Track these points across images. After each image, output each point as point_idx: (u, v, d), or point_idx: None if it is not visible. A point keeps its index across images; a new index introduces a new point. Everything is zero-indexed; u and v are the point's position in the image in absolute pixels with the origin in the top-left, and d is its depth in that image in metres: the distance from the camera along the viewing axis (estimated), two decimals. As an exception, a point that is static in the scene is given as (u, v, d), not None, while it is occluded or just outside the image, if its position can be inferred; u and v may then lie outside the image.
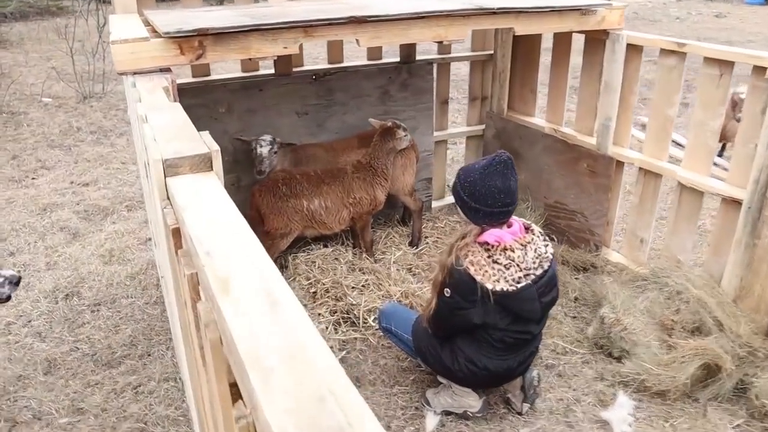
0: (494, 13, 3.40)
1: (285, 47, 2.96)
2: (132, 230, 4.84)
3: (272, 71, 4.27)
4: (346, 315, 3.70)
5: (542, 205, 4.67)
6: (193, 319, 1.34)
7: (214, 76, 4.14)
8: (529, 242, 2.64)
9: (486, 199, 2.59)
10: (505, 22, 3.48)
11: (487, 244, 2.58)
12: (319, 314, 3.69)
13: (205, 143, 1.73)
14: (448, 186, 5.24)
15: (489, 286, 2.50)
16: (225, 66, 7.71)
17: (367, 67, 4.58)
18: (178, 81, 3.85)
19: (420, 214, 4.64)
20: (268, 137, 4.03)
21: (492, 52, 5.00)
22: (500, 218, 2.63)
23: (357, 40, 3.13)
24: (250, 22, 2.84)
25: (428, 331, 2.87)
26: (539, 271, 2.61)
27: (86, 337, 3.64)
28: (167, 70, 2.77)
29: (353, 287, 3.90)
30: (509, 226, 2.70)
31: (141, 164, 3.26)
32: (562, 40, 4.44)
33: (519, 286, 2.54)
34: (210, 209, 1.42)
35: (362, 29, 3.11)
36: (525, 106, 4.95)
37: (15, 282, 2.84)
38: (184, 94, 3.90)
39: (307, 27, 2.96)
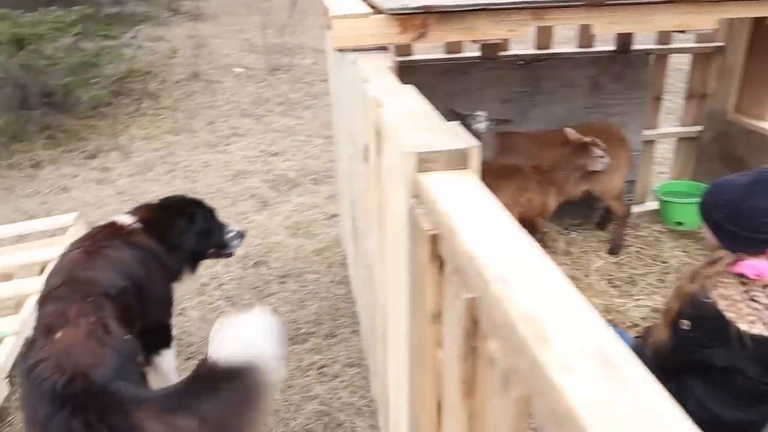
0: (755, -2, 2.90)
1: (511, 30, 2.71)
2: (317, 204, 4.86)
3: (477, 54, 4.03)
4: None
5: (769, 222, 4.06)
6: (464, 350, 1.14)
7: (418, 56, 3.99)
8: None
9: (747, 222, 2.19)
10: (764, 9, 2.97)
11: (744, 276, 2.18)
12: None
13: (460, 137, 1.53)
14: (654, 192, 4.74)
15: (743, 327, 2.11)
16: (421, 46, 7.61)
17: (579, 54, 4.21)
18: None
19: (625, 220, 4.22)
20: (482, 113, 3.82)
21: (722, 43, 4.40)
22: (761, 246, 2.22)
23: (590, 26, 2.81)
24: (479, 0, 2.62)
25: (652, 360, 2.52)
26: None
27: (273, 308, 3.67)
28: (384, 48, 2.64)
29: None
30: None
31: (341, 143, 3.19)
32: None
33: None
34: (484, 220, 1.22)
35: (598, 13, 2.77)
36: (758, 108, 4.31)
37: (243, 236, 3.09)
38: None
39: (537, 9, 2.68)
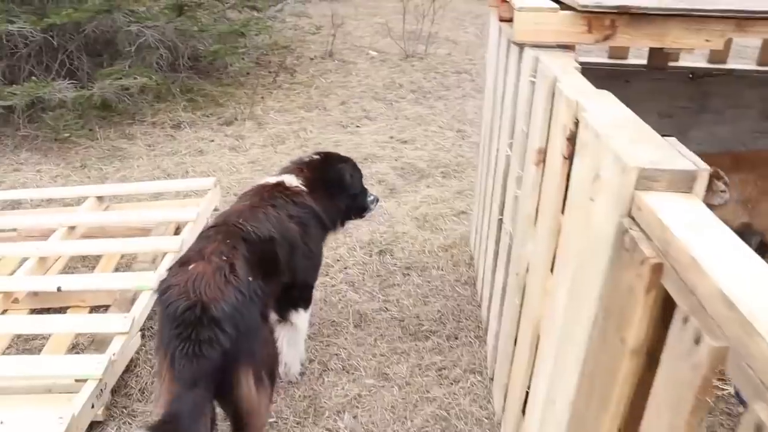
0: None
1: (708, 40, 2.46)
2: (446, 198, 4.76)
3: (642, 62, 3.77)
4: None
5: None
6: (693, 404, 1.00)
7: (579, 58, 3.76)
8: None
9: None
10: None
11: None
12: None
13: (686, 156, 1.36)
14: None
15: None
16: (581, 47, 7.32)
17: (758, 73, 3.85)
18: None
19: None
20: None
21: None
22: None
23: (800, 43, 2.52)
24: (677, 4, 2.40)
25: None
26: None
27: (396, 300, 3.61)
28: (566, 46, 2.47)
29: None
30: None
31: (489, 139, 3.03)
32: None
33: None
34: (734, 257, 1.07)
35: (813, 30, 2.47)
36: None
37: (378, 201, 3.37)
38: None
39: (743, 20, 2.42)
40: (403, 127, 6.19)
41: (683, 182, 1.29)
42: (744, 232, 3.89)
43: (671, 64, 3.77)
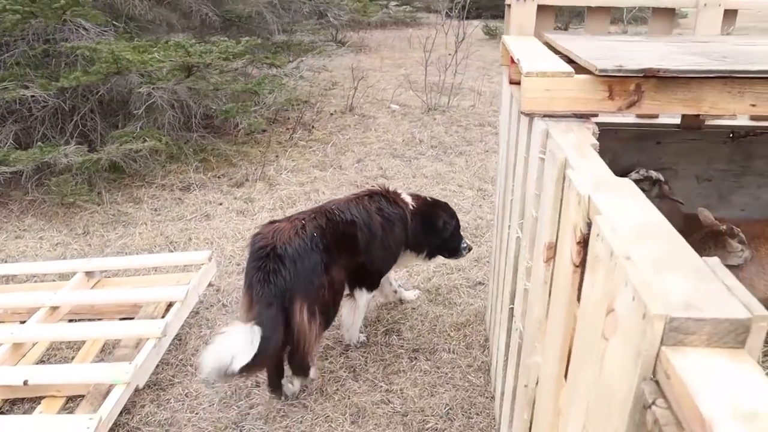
0: None
1: (753, 104, 2.09)
2: (462, 267, 4.38)
3: (676, 121, 3.39)
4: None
5: None
6: None
7: (602, 119, 3.41)
8: None
9: None
10: None
11: None
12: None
13: (734, 291, 0.98)
14: None
15: None
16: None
17: (808, 131, 3.43)
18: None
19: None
20: (653, 173, 3.23)
21: None
22: None
23: None
24: (712, 65, 2.04)
25: None
26: None
27: (399, 389, 3.21)
28: (583, 115, 2.12)
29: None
30: None
31: (503, 206, 2.68)
32: None
33: None
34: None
35: None
36: None
37: (470, 249, 3.89)
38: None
39: (795, 80, 2.05)
40: (420, 186, 5.86)
41: (731, 335, 0.92)
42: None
43: (708, 123, 3.38)
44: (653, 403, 0.91)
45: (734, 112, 2.11)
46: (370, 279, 3.47)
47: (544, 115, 2.08)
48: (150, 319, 3.51)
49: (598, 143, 1.83)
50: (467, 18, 9.72)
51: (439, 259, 4.43)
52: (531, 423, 1.99)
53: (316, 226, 3.04)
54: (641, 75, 1.96)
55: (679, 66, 1.99)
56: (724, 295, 0.97)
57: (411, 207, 3.50)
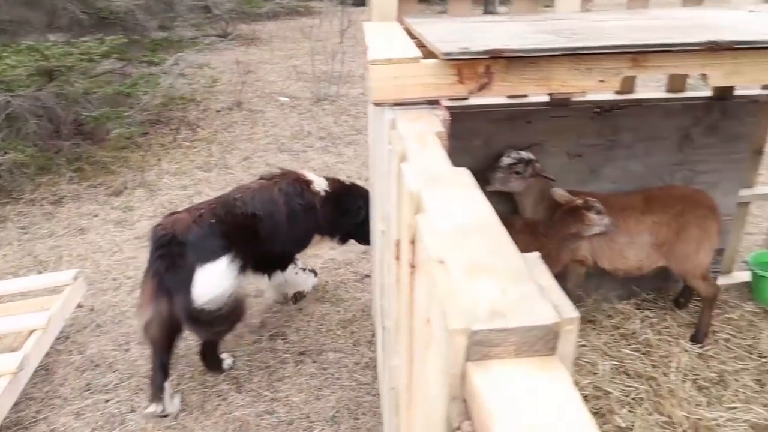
0: None
1: (602, 80, 2.07)
2: (350, 261, 4.27)
3: (545, 99, 3.39)
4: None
5: None
6: None
7: (472, 101, 3.37)
8: None
9: None
10: None
11: None
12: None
13: (547, 292, 0.90)
14: (746, 262, 3.99)
15: None
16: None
17: (668, 102, 3.52)
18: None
19: (713, 302, 3.47)
20: (524, 153, 3.23)
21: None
22: None
23: (704, 75, 2.14)
24: (559, 43, 2.00)
25: None
26: None
27: (285, 396, 3.08)
28: (436, 102, 2.03)
29: (621, 400, 2.90)
30: None
31: (375, 201, 2.58)
32: None
33: None
34: None
35: (717, 59, 2.10)
36: None
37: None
38: (436, 121, 3.19)
39: (638, 54, 2.04)
40: (309, 180, 5.69)
41: (540, 342, 0.83)
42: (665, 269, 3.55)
43: (575, 99, 3.41)
44: (459, 426, 0.81)
45: (584, 89, 2.08)
46: (279, 261, 3.58)
47: (395, 104, 1.98)
48: (6, 353, 3.18)
49: (444, 130, 1.74)
50: (358, 5, 9.59)
51: (328, 254, 4.32)
52: (398, 428, 1.89)
53: (213, 215, 3.11)
54: (487, 56, 1.89)
55: (526, 45, 1.93)
56: (535, 299, 0.88)
57: (324, 191, 3.50)
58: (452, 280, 0.93)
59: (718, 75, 2.14)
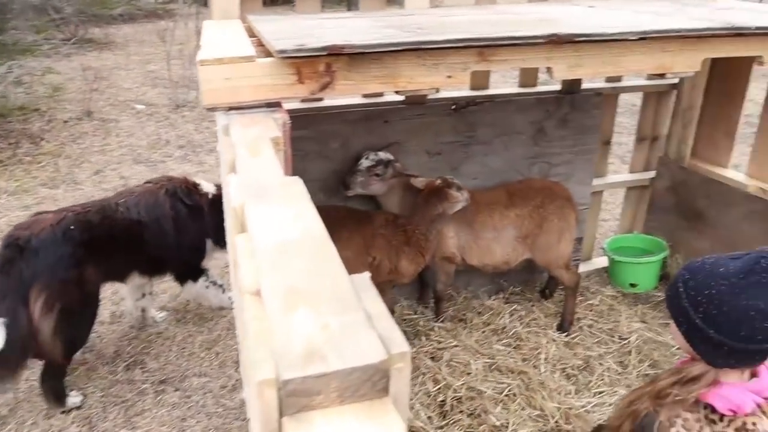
0: (742, 34, 2.32)
1: (449, 76, 2.01)
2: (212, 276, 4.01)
3: (401, 98, 3.33)
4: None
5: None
6: None
7: (327, 102, 3.25)
8: None
9: (739, 328, 1.46)
10: (756, 47, 2.39)
11: (713, 410, 1.51)
12: (452, 439, 2.70)
13: (379, 321, 0.77)
14: (603, 248, 4.17)
15: None
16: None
17: (521, 96, 3.58)
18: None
19: (576, 290, 3.58)
20: (382, 155, 3.15)
21: (675, 81, 3.88)
22: (755, 361, 1.54)
23: (549, 69, 2.14)
24: (403, 37, 1.91)
25: None
26: None
27: (146, 432, 2.80)
28: (276, 104, 1.88)
29: (494, 398, 2.90)
30: (754, 374, 1.58)
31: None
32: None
33: None
34: None
35: (560, 53, 2.11)
36: (715, 154, 3.79)
37: None
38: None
39: (484, 48, 2.00)
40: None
41: (367, 385, 0.70)
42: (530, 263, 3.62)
43: (431, 97, 3.38)
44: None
45: (432, 85, 2.02)
46: (187, 271, 3.45)
47: (230, 108, 1.80)
48: None
49: (281, 135, 1.59)
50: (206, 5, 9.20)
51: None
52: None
53: (78, 219, 2.92)
54: (326, 53, 1.76)
55: (367, 41, 1.83)
56: (360, 331, 0.75)
57: (212, 194, 3.38)
58: (266, 316, 0.79)
59: (562, 68, 2.15)
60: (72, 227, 2.86)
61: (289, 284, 0.85)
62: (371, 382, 0.71)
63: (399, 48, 1.86)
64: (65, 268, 2.82)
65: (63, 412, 2.92)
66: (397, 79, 1.94)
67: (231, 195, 1.20)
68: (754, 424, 1.47)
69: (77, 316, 2.92)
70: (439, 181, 3.12)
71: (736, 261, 1.52)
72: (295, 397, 0.68)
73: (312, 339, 0.73)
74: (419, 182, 3.15)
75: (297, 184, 1.22)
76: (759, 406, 1.50)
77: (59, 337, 2.79)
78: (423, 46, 1.89)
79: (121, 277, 3.22)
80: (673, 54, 2.27)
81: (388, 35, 1.96)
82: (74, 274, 2.85)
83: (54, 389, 2.90)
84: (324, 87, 1.87)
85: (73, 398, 2.96)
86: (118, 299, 3.79)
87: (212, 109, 1.83)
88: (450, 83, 2.02)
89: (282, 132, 1.66)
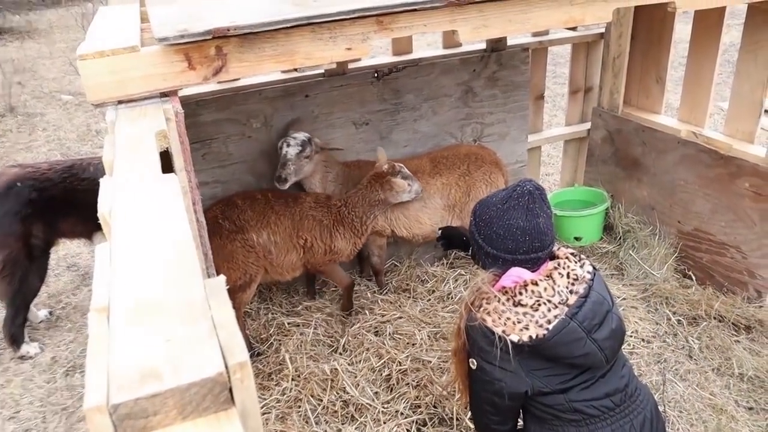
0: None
1: (349, 48, 1.95)
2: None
3: (321, 71, 3.26)
4: (433, 411, 2.71)
5: (675, 232, 3.59)
6: None
7: (244, 82, 3.16)
8: (555, 268, 1.92)
9: (506, 242, 1.91)
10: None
11: (505, 288, 1.88)
12: (398, 412, 2.71)
13: (219, 335, 0.74)
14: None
15: (514, 338, 1.78)
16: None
17: (445, 58, 3.53)
18: (197, 89, 2.92)
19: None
20: (301, 135, 3.05)
21: (602, 31, 3.89)
22: (526, 268, 1.93)
23: (455, 32, 2.10)
24: (294, 13, 1.84)
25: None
26: (573, 298, 1.85)
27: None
28: (171, 93, 1.80)
29: (440, 366, 2.92)
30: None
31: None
32: (713, 10, 3.28)
33: (551, 326, 1.79)
34: None
35: (463, 14, 2.07)
36: (648, 101, 3.83)
37: None
38: (207, 107, 2.96)
39: (382, 16, 1.94)
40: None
41: (208, 398, 0.68)
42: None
43: (352, 66, 3.31)
44: None
45: (332, 59, 1.95)
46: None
47: (120, 102, 1.72)
48: None
49: (166, 128, 1.52)
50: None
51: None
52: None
53: (33, 176, 3.05)
54: (210, 36, 1.69)
55: (254, 20, 1.76)
56: (202, 343, 0.72)
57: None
58: (110, 334, 0.75)
59: (467, 30, 2.11)
60: (19, 183, 3.02)
61: (141, 297, 0.81)
62: (212, 395, 0.68)
63: (290, 24, 1.80)
64: (9, 224, 3.02)
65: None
66: (293, 57, 1.88)
67: (100, 201, 1.14)
68: (534, 282, 1.85)
69: (22, 270, 3.11)
70: (385, 167, 3.07)
71: (502, 192, 1.96)
72: (130, 419, 0.65)
73: (151, 356, 0.70)
74: (381, 158, 3.13)
75: (171, 183, 1.17)
76: (539, 274, 1.91)
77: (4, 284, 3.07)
78: (315, 20, 1.82)
79: (87, 234, 3.37)
80: (582, 6, 2.25)
81: (279, 11, 1.88)
82: (18, 228, 3.04)
83: (10, 334, 3.17)
84: (217, 71, 1.80)
85: (31, 348, 3.27)
86: (54, 303, 3.69)
87: (100, 106, 1.74)
88: (351, 55, 1.97)
89: (175, 122, 1.60)
